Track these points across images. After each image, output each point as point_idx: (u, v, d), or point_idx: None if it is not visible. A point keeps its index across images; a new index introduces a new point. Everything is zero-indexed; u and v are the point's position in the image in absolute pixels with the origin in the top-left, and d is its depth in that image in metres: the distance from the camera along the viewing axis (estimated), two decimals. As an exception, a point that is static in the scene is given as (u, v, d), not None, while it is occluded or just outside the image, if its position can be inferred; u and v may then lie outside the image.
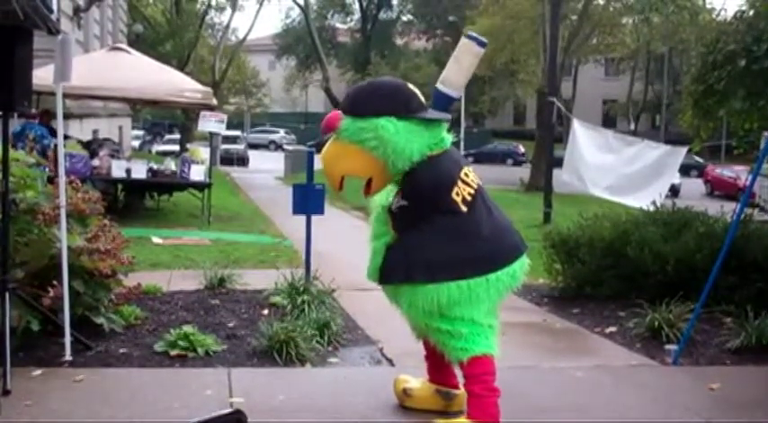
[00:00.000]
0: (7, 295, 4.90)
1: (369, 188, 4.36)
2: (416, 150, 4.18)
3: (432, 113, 4.30)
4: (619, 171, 12.13)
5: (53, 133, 13.63)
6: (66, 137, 13.85)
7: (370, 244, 4.51)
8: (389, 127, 4.13)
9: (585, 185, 12.84)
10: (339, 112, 4.32)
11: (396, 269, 4.29)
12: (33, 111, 11.92)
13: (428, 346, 4.60)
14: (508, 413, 4.61)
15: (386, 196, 4.46)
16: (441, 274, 4.17)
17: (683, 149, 11.74)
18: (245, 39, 46.68)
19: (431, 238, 4.21)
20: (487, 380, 4.24)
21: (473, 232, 4.24)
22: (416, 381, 4.73)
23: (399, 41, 59.42)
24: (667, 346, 6.20)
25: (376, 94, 4.29)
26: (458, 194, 4.22)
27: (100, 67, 13.15)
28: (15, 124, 11.74)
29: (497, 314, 4.44)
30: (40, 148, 11.44)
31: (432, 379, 4.70)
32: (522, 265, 4.38)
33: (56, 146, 6.75)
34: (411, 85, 4.38)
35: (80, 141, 14.03)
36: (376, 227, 4.51)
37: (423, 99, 4.33)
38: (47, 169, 7.78)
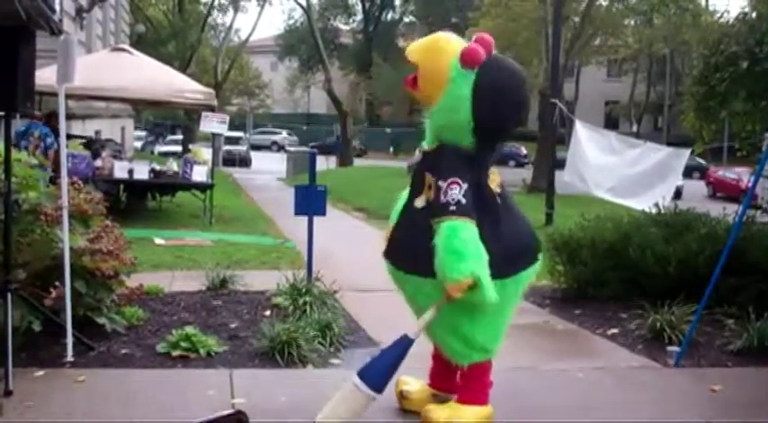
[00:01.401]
0: (9, 296, 4.90)
1: (412, 86, 4.32)
2: (454, 120, 4.15)
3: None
4: (622, 173, 12.12)
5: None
6: (74, 137, 13.92)
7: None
8: (468, 89, 4.12)
9: (588, 187, 12.83)
10: None
11: (427, 260, 4.13)
12: (37, 112, 11.93)
13: (438, 350, 4.62)
14: (509, 414, 4.61)
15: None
16: (503, 270, 4.16)
17: (687, 152, 11.73)
18: (247, 40, 46.74)
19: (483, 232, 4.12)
20: (487, 379, 4.44)
21: (510, 225, 4.29)
22: (417, 383, 4.73)
23: (402, 43, 59.43)
24: (669, 348, 6.20)
25: (504, 70, 4.27)
26: (492, 181, 4.29)
27: (102, 67, 13.17)
28: (19, 124, 11.75)
29: None
30: (43, 147, 11.46)
31: (433, 383, 4.69)
32: (538, 263, 4.49)
33: (59, 146, 6.75)
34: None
35: (82, 142, 14.00)
36: None
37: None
38: (48, 170, 7.78)
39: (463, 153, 4.20)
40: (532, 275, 4.48)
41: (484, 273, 3.98)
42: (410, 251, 4.27)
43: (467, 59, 4.13)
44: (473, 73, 4.12)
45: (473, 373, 4.37)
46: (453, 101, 4.14)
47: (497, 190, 4.32)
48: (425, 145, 4.42)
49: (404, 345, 4.15)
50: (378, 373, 4.14)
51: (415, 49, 4.29)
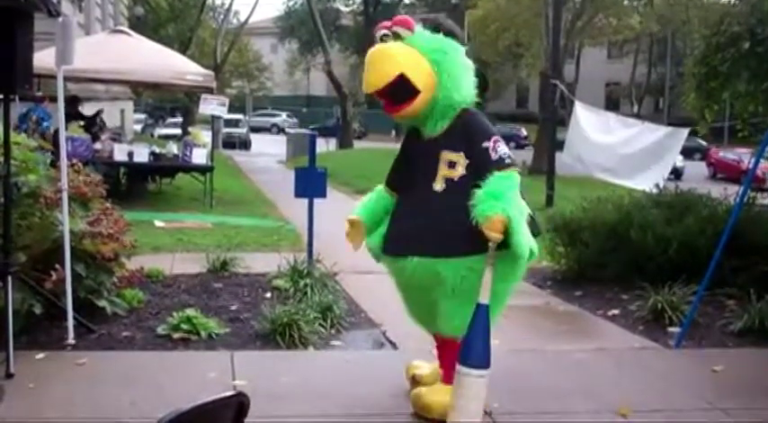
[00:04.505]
0: (10, 279, 4.90)
1: (407, 104, 4.19)
2: (467, 88, 4.20)
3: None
4: (620, 153, 12.10)
5: (80, 118, 13.62)
6: (83, 116, 13.89)
7: None
8: (459, 51, 4.22)
9: (587, 168, 12.83)
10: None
11: (462, 239, 4.06)
12: (39, 93, 11.92)
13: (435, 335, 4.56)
14: (510, 395, 4.62)
15: None
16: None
17: (685, 131, 11.70)
18: (246, 21, 46.47)
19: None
20: None
21: None
22: (427, 367, 4.66)
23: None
24: (670, 329, 6.21)
25: (455, 27, 4.41)
26: None
27: (101, 50, 13.12)
28: (20, 107, 11.74)
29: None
30: (40, 131, 11.46)
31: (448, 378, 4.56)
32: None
33: (56, 130, 6.73)
34: None
35: (82, 124, 13.94)
36: None
37: None
38: (47, 153, 7.77)
39: (485, 116, 4.29)
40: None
41: (517, 216, 3.88)
42: (447, 234, 4.11)
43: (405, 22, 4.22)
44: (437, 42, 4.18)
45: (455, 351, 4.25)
46: (453, 70, 4.17)
47: None
48: (428, 132, 4.32)
49: (482, 313, 4.01)
50: (477, 351, 4.01)
51: (388, 67, 4.14)
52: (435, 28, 4.23)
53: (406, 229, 4.31)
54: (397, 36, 4.21)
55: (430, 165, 4.24)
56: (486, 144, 4.12)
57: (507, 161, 4.10)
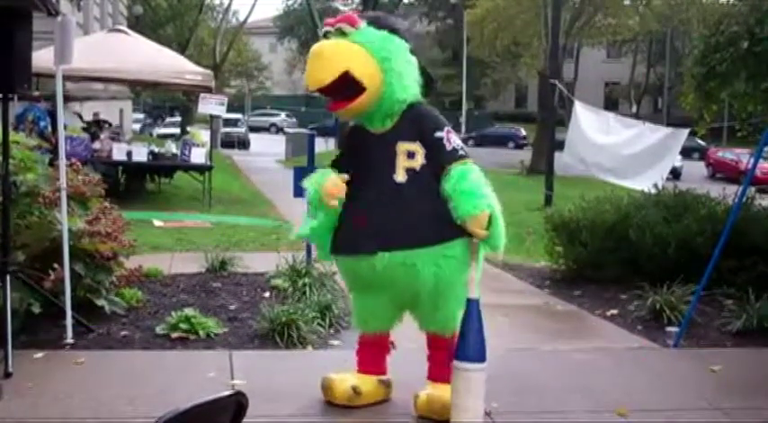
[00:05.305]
0: (8, 278, 4.90)
1: (351, 101, 4.15)
2: (411, 85, 4.21)
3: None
4: (620, 153, 12.10)
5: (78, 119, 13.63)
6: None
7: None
8: (404, 48, 4.21)
9: (587, 167, 12.82)
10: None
11: (433, 227, 4.09)
12: (36, 93, 11.92)
13: (381, 335, 4.54)
14: (509, 395, 4.62)
15: None
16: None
17: (685, 131, 11.70)
18: (245, 21, 46.46)
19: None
20: None
21: None
22: (354, 377, 4.46)
23: (401, 24, 58.97)
24: (668, 329, 6.21)
25: (399, 23, 4.39)
26: None
27: (100, 49, 13.12)
28: (18, 106, 11.74)
29: None
30: (38, 130, 11.46)
31: (367, 370, 4.49)
32: None
33: (55, 129, 6.74)
34: None
35: (83, 126, 13.95)
36: None
37: None
38: (46, 152, 7.76)
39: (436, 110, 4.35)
40: None
41: (495, 208, 4.00)
42: (418, 224, 4.07)
43: (349, 19, 4.19)
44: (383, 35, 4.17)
45: (449, 347, 4.21)
46: (398, 67, 4.16)
47: None
48: (375, 127, 4.28)
49: (475, 308, 3.99)
50: (474, 346, 3.98)
51: (334, 63, 4.09)
52: (378, 26, 4.21)
53: (371, 224, 4.17)
54: (341, 33, 4.17)
55: (386, 158, 4.18)
56: (439, 134, 4.16)
57: (461, 152, 4.14)
